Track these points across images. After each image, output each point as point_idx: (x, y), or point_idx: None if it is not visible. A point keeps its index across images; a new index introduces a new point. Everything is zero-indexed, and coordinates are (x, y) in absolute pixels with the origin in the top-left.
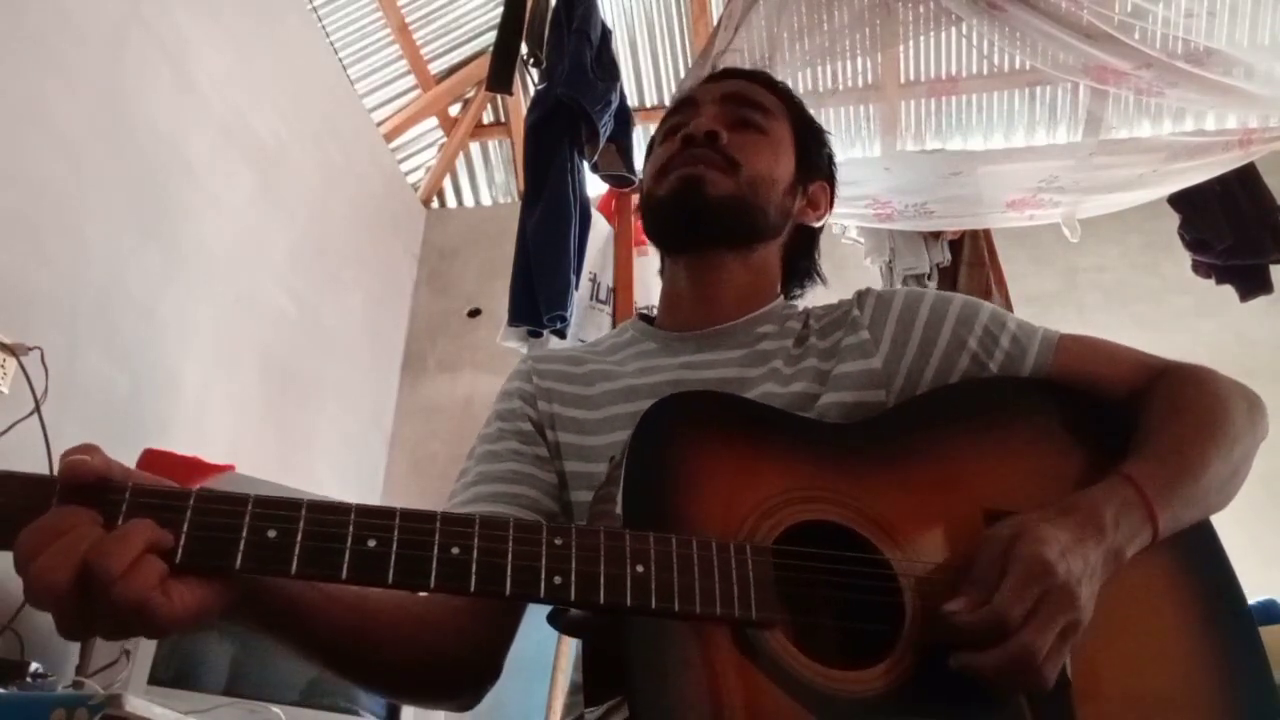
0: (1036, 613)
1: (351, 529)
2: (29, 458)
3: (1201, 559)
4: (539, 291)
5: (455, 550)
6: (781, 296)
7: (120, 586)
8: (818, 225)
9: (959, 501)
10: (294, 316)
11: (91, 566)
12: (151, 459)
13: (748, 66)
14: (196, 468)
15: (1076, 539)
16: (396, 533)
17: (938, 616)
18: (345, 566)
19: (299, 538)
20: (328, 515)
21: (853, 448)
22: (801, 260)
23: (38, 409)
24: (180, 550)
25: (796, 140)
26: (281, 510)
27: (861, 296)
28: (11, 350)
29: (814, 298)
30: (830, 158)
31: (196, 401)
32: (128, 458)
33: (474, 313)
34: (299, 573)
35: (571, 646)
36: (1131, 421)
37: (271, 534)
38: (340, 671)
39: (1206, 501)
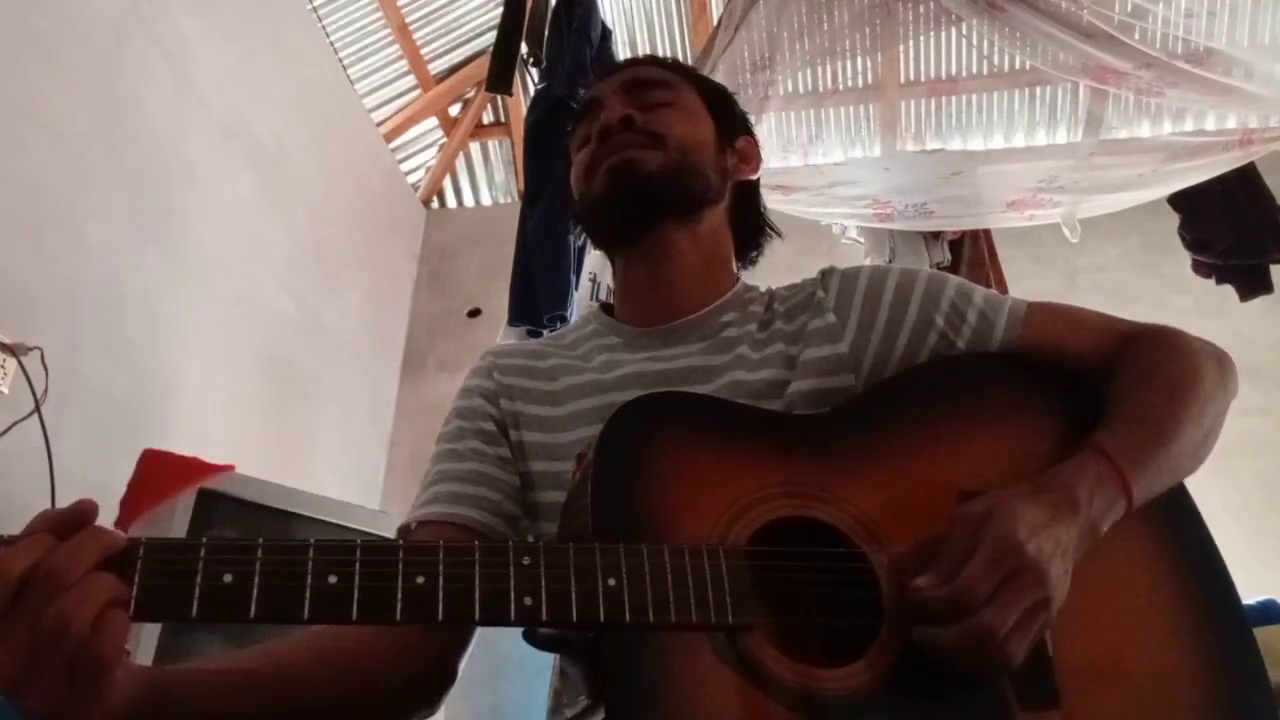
0: (1001, 592)
1: (311, 566)
2: (29, 458)
3: (1178, 525)
4: (539, 291)
5: (420, 579)
6: (741, 281)
7: (91, 643)
8: (755, 178)
9: (934, 486)
10: (294, 316)
11: (52, 623)
12: (151, 459)
13: (748, 66)
14: (196, 468)
15: (1049, 518)
16: (358, 566)
17: (908, 593)
18: (307, 605)
19: (256, 580)
20: (285, 554)
21: (823, 439)
22: (749, 218)
23: (38, 409)
24: (133, 603)
25: (707, 103)
26: (236, 553)
27: (826, 276)
28: (11, 350)
29: (778, 278)
30: (744, 115)
31: (196, 401)
32: (128, 458)
33: (474, 313)
34: (259, 615)
35: None
36: (1102, 390)
37: (227, 578)
38: None
39: (1179, 467)
